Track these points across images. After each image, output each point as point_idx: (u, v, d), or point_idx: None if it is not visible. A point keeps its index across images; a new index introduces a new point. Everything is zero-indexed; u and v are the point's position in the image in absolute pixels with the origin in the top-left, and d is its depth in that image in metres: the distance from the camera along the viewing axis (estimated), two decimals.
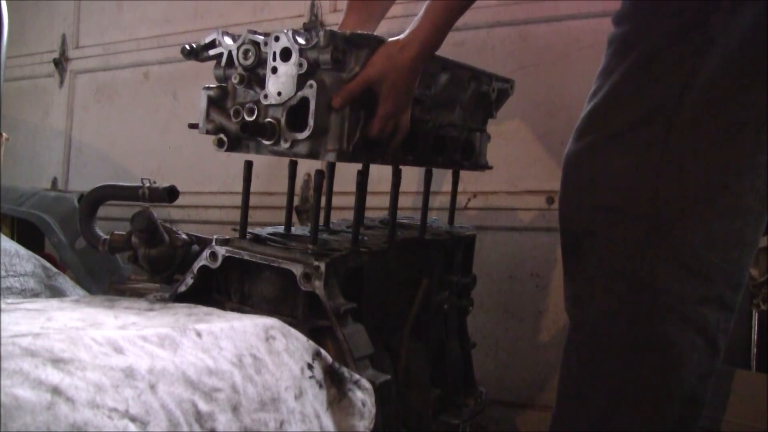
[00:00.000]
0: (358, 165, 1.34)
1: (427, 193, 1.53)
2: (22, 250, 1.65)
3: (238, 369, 0.93)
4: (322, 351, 1.07)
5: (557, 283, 2.06)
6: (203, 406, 0.86)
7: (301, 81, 1.15)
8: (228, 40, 1.23)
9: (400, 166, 1.40)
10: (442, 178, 2.02)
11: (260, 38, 1.19)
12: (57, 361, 0.76)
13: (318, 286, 1.17)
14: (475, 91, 1.51)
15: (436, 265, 1.54)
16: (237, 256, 1.25)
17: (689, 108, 1.13)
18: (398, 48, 1.19)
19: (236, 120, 1.21)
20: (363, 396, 1.06)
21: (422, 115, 1.38)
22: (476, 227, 1.75)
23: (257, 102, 1.20)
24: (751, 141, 1.13)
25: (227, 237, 1.27)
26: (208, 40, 1.25)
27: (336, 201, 1.51)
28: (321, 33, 1.13)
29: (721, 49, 1.12)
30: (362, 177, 1.34)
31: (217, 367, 0.91)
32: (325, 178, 1.27)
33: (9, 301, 1.09)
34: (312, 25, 2.55)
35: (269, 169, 2.46)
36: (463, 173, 1.70)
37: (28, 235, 2.48)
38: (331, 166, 1.27)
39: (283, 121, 1.18)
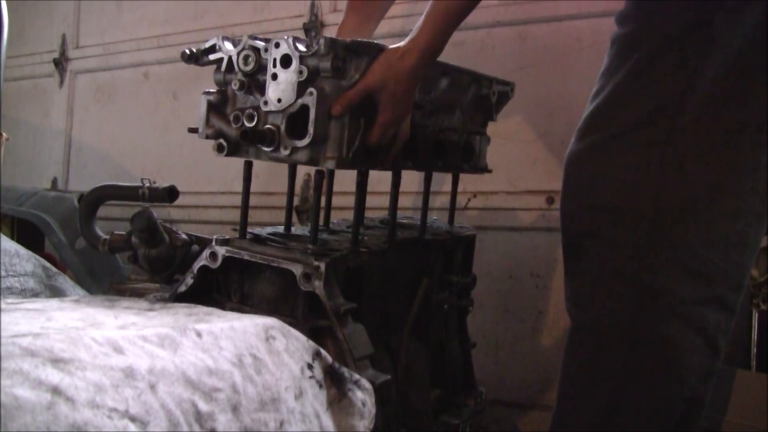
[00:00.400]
0: None
1: (427, 194, 1.53)
2: (22, 250, 1.65)
3: (238, 369, 0.93)
4: (322, 351, 1.06)
5: (557, 283, 2.06)
6: (203, 406, 0.86)
7: (301, 88, 1.15)
8: (228, 45, 1.23)
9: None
10: (443, 179, 2.02)
11: (260, 44, 1.19)
12: (57, 361, 0.76)
13: (318, 286, 1.17)
14: (475, 94, 1.50)
15: (436, 265, 1.54)
16: (237, 256, 1.25)
17: (691, 109, 1.13)
18: (398, 56, 1.19)
19: (236, 126, 1.21)
20: (363, 396, 1.06)
21: (422, 121, 1.38)
22: (476, 227, 1.75)
23: (257, 108, 1.19)
24: (753, 141, 1.13)
25: (227, 237, 1.27)
26: (208, 44, 1.24)
27: (336, 201, 1.51)
28: (321, 41, 1.13)
29: (724, 49, 1.12)
30: (362, 177, 1.33)
31: (217, 367, 0.91)
32: (325, 179, 1.27)
33: (9, 301, 1.09)
34: (312, 26, 2.55)
35: (269, 169, 2.46)
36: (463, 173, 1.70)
37: (28, 235, 2.48)
38: (331, 170, 1.27)
39: (282, 128, 1.18)
